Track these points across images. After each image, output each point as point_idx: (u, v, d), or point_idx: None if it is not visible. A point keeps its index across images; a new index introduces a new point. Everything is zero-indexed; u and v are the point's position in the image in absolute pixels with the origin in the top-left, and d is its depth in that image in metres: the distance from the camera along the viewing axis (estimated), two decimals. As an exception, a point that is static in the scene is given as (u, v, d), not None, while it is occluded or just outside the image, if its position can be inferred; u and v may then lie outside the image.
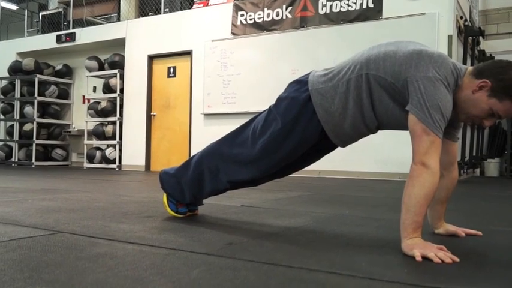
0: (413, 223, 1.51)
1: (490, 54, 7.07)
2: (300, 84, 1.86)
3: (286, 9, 6.42)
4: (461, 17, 5.88)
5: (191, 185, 2.12)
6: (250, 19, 6.69)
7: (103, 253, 1.46)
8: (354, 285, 1.16)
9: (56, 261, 1.33)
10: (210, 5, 7.21)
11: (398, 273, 1.29)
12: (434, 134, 1.52)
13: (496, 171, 7.26)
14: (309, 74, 1.89)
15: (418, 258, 1.41)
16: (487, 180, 6.29)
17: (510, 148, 7.12)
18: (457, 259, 1.40)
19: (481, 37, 6.65)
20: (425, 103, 1.52)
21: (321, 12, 6.19)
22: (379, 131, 1.87)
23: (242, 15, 6.76)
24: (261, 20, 6.61)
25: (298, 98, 1.82)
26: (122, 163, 7.80)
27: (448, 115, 1.56)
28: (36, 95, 8.42)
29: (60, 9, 9.09)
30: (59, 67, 8.89)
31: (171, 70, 7.53)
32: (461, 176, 5.98)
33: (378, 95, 1.67)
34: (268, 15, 6.56)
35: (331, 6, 6.13)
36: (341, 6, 6.06)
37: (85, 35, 8.36)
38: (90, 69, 8.18)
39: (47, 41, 8.83)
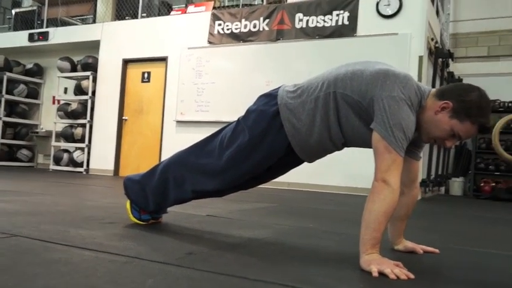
0: (372, 239, 1.53)
1: (459, 77, 7.29)
2: (270, 98, 1.88)
3: (264, 21, 6.48)
4: (432, 39, 6.06)
5: (155, 192, 2.10)
6: (228, 29, 6.71)
7: (57, 259, 1.42)
8: (308, 299, 1.16)
9: (6, 266, 1.29)
10: (188, 12, 7.21)
11: (353, 287, 1.30)
12: (396, 152, 1.56)
13: (460, 190, 7.45)
14: (278, 88, 1.91)
15: (375, 273, 1.43)
16: (451, 199, 6.45)
17: (474, 168, 7.34)
18: (412, 276, 1.43)
19: (450, 59, 6.86)
20: (388, 122, 1.55)
21: (298, 26, 6.26)
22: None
23: (219, 24, 6.77)
24: (238, 30, 6.63)
25: (267, 112, 1.84)
26: (90, 167, 7.65)
27: (410, 134, 1.60)
28: (4, 93, 8.19)
29: (35, 8, 8.90)
30: (29, 66, 8.69)
31: (146, 75, 7.46)
32: (427, 194, 6.12)
33: (344, 113, 1.70)
34: (245, 26, 6.60)
35: (307, 21, 6.21)
36: (317, 22, 6.15)
37: (59, 35, 8.21)
38: (62, 70, 8.02)
39: (19, 38, 8.62)
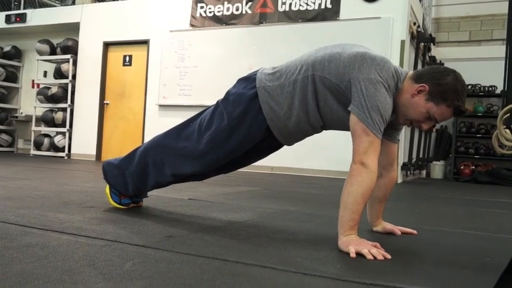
0: (351, 220, 1.55)
1: (440, 61, 7.34)
2: (248, 81, 1.87)
3: (246, 4, 6.41)
4: (415, 23, 6.07)
5: (135, 177, 2.08)
6: (210, 12, 6.63)
7: (35, 243, 1.41)
8: (286, 280, 1.18)
9: (-19, 251, 1.27)
10: (170, -6, 7.08)
11: (330, 268, 1.32)
12: (373, 134, 1.57)
13: (441, 173, 7.56)
14: (257, 71, 1.90)
15: (352, 254, 1.45)
16: (432, 182, 6.55)
17: (454, 152, 7.45)
18: (388, 256, 1.45)
19: (432, 44, 6.89)
20: (366, 104, 1.56)
21: (281, 9, 6.22)
22: (332, 131, 1.91)
23: (202, 7, 6.68)
24: (220, 13, 6.56)
25: (245, 95, 1.83)
26: (72, 152, 7.55)
27: (387, 117, 1.61)
28: (-19, 76, 8.00)
29: (11, -12, 8.65)
30: (7, 49, 8.48)
31: (127, 58, 7.35)
32: (408, 177, 6.20)
33: (322, 96, 1.70)
34: (228, 9, 6.52)
35: (290, 4, 6.17)
36: (300, 5, 6.11)
37: (37, 17, 8.00)
38: (41, 53, 7.85)
39: (-5, 20, 8.39)
